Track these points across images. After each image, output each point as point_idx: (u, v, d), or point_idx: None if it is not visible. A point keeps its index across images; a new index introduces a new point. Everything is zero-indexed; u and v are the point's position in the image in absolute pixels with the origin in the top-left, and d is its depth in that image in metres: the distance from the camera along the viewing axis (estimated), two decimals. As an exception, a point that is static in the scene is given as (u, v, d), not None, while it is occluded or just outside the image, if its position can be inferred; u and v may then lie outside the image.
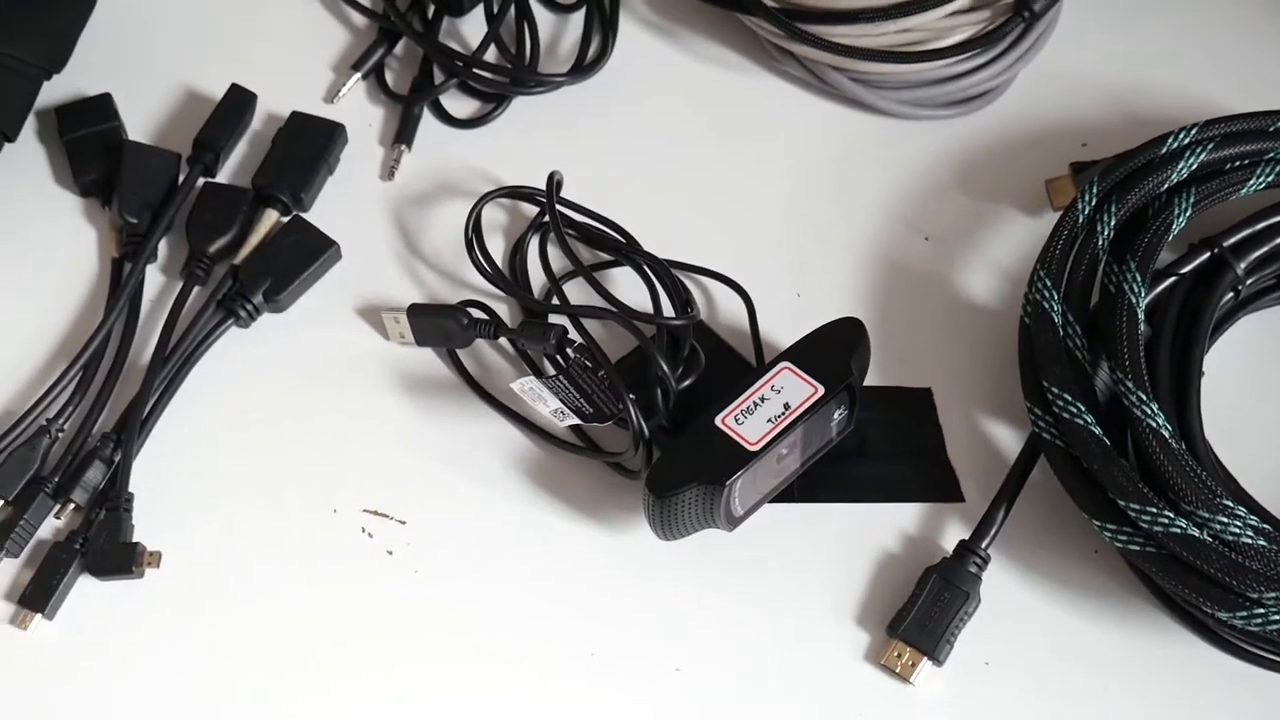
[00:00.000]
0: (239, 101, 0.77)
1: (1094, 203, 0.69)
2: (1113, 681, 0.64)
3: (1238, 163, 0.70)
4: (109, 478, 0.67)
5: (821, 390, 0.64)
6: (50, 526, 0.66)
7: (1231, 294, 0.70)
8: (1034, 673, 0.64)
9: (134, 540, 0.65)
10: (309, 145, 0.75)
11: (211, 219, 0.73)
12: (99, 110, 0.77)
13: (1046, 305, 0.66)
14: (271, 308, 0.72)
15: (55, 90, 0.77)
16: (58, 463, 0.67)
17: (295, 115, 0.77)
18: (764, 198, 0.77)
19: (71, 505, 0.66)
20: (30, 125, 0.77)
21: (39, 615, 0.64)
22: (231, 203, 0.74)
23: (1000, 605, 0.65)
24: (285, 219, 0.74)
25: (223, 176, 0.76)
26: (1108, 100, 0.80)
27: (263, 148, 0.76)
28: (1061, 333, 0.66)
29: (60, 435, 0.68)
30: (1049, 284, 0.67)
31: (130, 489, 0.66)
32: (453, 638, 0.64)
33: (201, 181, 0.75)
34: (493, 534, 0.67)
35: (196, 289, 0.72)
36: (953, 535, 0.67)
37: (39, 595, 0.64)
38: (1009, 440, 0.70)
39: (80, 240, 0.74)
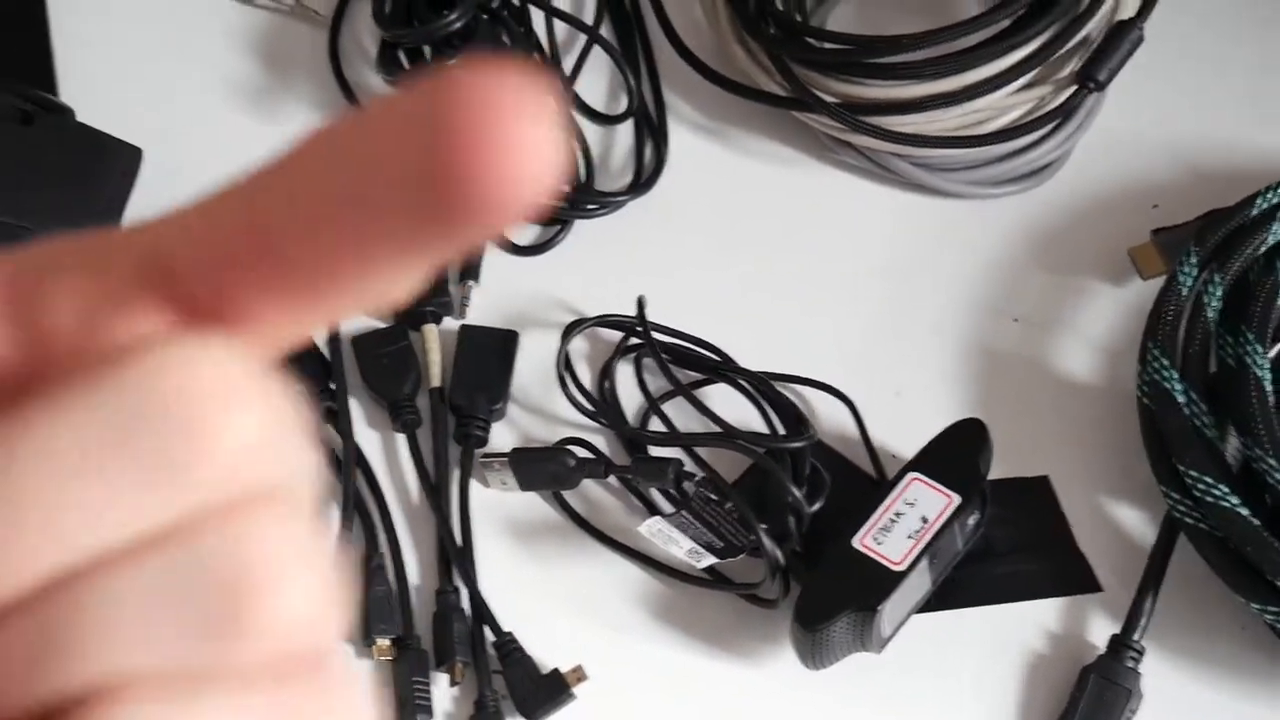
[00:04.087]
0: None
1: (1194, 274, 0.68)
2: (1289, 761, 0.63)
3: (1331, 216, 0.70)
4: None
5: (958, 499, 0.63)
6: (449, 696, 0.64)
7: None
8: (1204, 761, 0.63)
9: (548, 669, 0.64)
10: None
11: (388, 364, 0.71)
12: None
13: (1167, 385, 0.65)
14: (495, 416, 0.70)
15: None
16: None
17: None
18: (843, 295, 0.75)
19: (459, 664, 0.64)
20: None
21: None
22: (391, 340, 0.72)
23: (1158, 694, 0.64)
24: (439, 326, 0.73)
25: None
26: (1173, 158, 0.79)
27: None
28: (1187, 411, 0.65)
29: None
30: (1166, 363, 0.66)
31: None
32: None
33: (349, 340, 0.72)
34: (632, 682, 0.64)
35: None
36: (1097, 626, 0.66)
37: None
38: (1135, 521, 0.68)
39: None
